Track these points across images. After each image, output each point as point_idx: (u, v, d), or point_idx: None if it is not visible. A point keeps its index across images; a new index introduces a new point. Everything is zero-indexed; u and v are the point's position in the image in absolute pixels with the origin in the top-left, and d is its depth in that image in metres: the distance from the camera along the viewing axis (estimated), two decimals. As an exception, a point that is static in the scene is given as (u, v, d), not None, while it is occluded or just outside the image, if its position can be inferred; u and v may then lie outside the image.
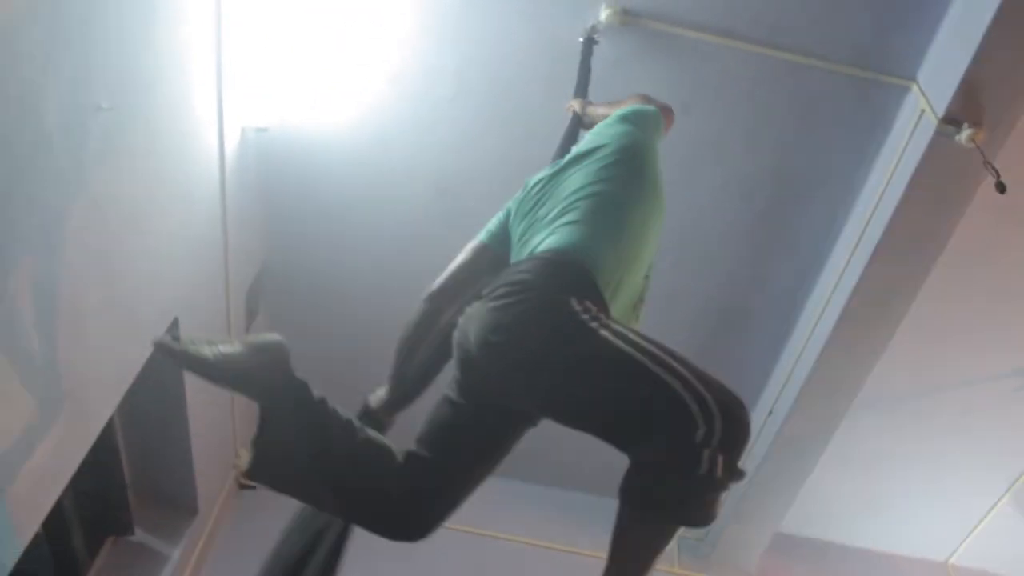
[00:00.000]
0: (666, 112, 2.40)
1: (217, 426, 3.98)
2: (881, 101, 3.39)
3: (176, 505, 3.85)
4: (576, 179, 2.03)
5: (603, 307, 1.79)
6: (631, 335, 1.65)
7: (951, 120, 3.04)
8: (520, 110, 3.54)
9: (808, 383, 3.87)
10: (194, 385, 3.41)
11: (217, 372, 1.81)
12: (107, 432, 3.18)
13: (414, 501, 1.94)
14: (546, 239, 1.92)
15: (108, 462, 3.41)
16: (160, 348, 1.81)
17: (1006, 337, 4.12)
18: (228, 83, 3.15)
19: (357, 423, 1.97)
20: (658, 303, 3.97)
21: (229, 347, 1.84)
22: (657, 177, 2.11)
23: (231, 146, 3.34)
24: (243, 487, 4.35)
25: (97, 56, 2.23)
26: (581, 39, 3.08)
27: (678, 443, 1.51)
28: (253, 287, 4.02)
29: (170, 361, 1.82)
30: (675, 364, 1.58)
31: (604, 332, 1.65)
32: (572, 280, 1.80)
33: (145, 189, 2.68)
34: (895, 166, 3.32)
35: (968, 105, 3.01)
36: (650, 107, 2.32)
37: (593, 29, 3.14)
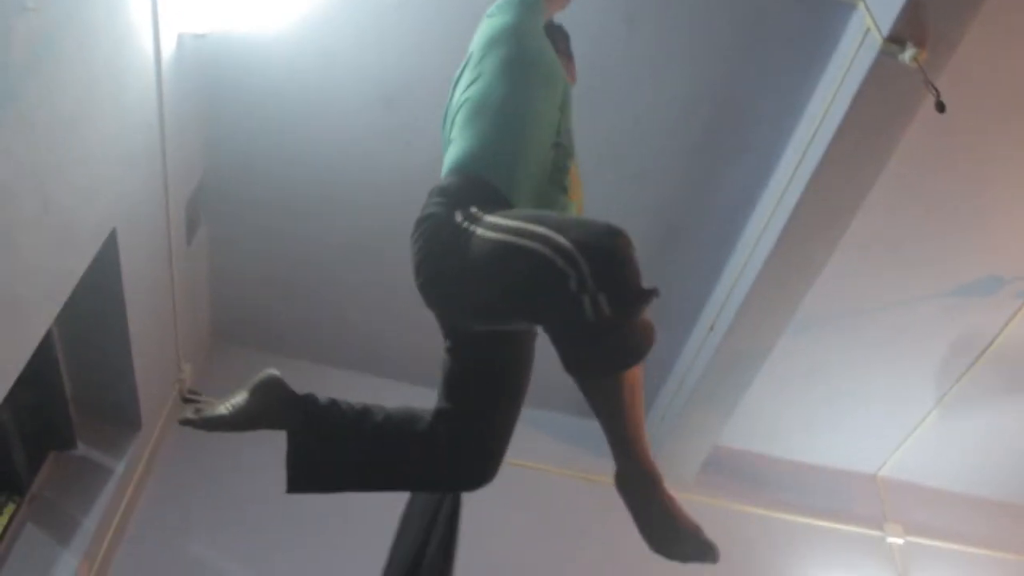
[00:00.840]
0: None
1: (160, 339, 3.94)
2: (826, 19, 3.39)
3: (119, 419, 3.83)
4: (458, 90, 2.11)
5: (496, 203, 1.81)
6: (503, 220, 1.68)
7: (895, 39, 3.05)
8: (469, 17, 3.46)
9: (748, 299, 3.94)
10: (135, 297, 3.37)
11: (236, 421, 2.03)
12: (46, 346, 3.14)
13: (460, 451, 2.04)
14: (444, 163, 2.01)
15: (48, 376, 3.38)
16: (186, 423, 2.05)
17: (938, 258, 4.22)
18: (163, -14, 3.04)
19: (372, 406, 2.10)
20: (601, 217, 4.03)
21: (237, 397, 2.07)
22: (531, 52, 2.12)
23: (168, 52, 3.23)
24: (187, 400, 4.34)
25: (22, -47, 2.14)
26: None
27: (558, 301, 1.49)
28: (193, 198, 3.95)
29: (199, 430, 2.06)
30: (539, 229, 1.58)
31: (479, 229, 1.70)
32: (456, 195, 1.84)
33: (77, 97, 2.59)
34: (839, 85, 3.34)
35: (912, 25, 3.02)
36: None
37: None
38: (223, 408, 2.04)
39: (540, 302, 1.56)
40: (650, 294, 1.50)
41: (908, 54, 3.02)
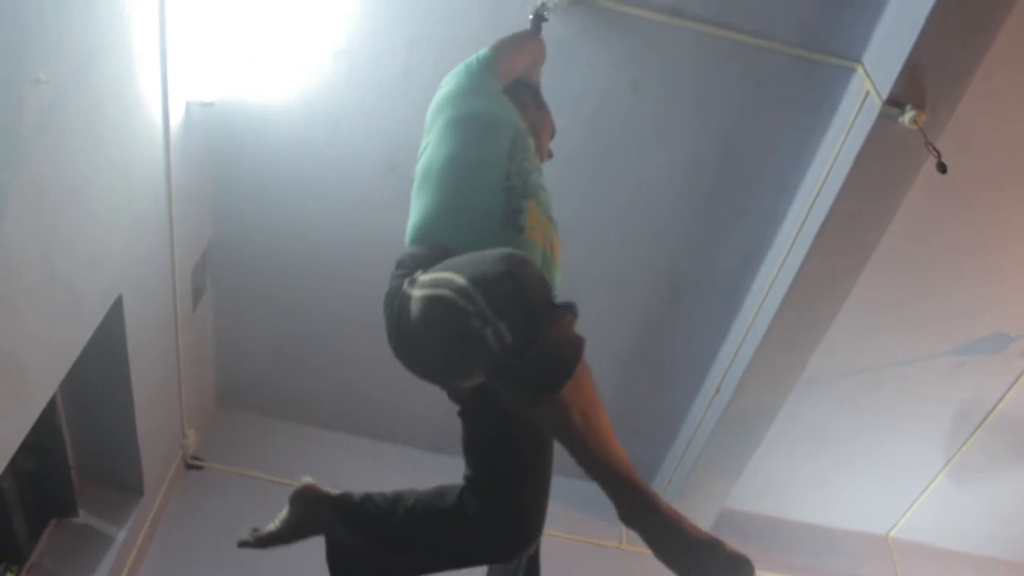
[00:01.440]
0: (506, 45, 2.53)
1: (164, 405, 3.93)
2: (827, 82, 3.43)
3: (121, 486, 3.80)
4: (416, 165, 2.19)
5: (440, 258, 1.76)
6: (427, 276, 1.67)
7: (895, 102, 3.08)
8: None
9: (754, 360, 3.92)
10: (139, 364, 3.37)
11: (285, 534, 2.23)
12: (49, 412, 3.13)
13: (492, 520, 2.01)
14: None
15: (51, 443, 3.36)
16: (244, 546, 2.26)
17: (944, 316, 4.21)
18: (173, 56, 3.09)
19: (403, 492, 2.14)
20: (607, 280, 4.05)
21: (283, 511, 2.25)
22: (471, 109, 2.20)
23: (176, 121, 3.28)
24: (190, 467, 4.31)
25: (33, 25, 2.17)
26: (530, 16, 3.07)
27: (468, 340, 1.43)
28: (199, 264, 3.97)
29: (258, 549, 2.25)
30: (443, 274, 1.56)
31: (412, 291, 1.70)
32: (408, 265, 1.87)
33: (86, 165, 2.63)
34: (840, 147, 3.36)
35: (911, 87, 3.06)
36: (474, 56, 2.42)
37: (543, 6, 3.13)
38: (273, 526, 2.23)
39: (457, 346, 1.54)
40: (557, 310, 1.43)
41: (908, 116, 3.05)
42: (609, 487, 1.49)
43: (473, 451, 2.08)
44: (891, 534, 5.28)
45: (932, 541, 5.28)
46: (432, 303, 1.57)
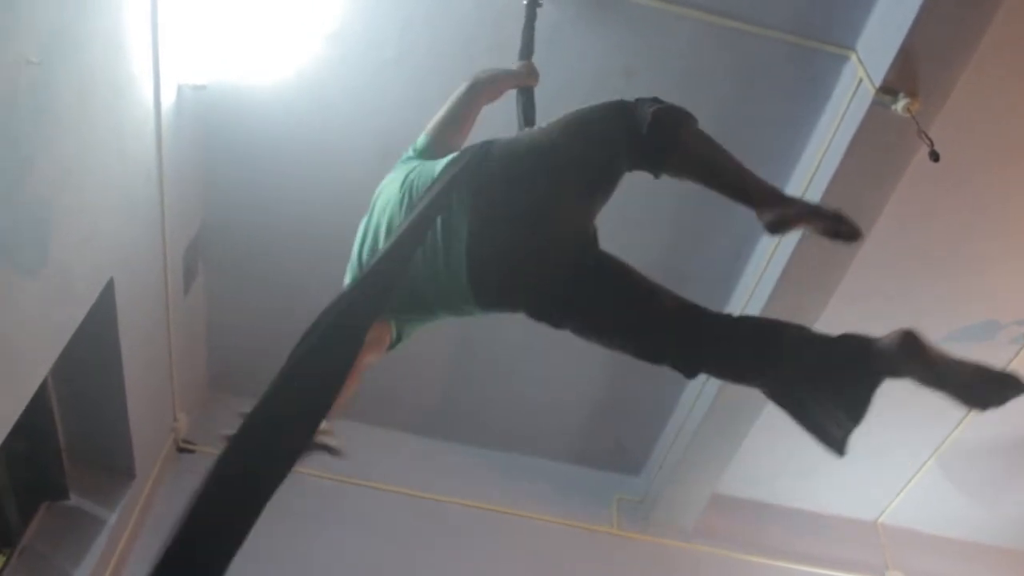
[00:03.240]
0: (477, 85, 2.55)
1: (155, 389, 3.92)
2: (820, 69, 3.43)
3: (113, 469, 3.80)
4: None
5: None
6: None
7: (888, 89, 3.09)
8: (464, 73, 3.50)
9: (745, 348, 3.93)
10: (131, 347, 3.36)
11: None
12: (41, 395, 3.13)
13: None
14: None
15: (42, 426, 3.36)
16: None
17: (935, 304, 4.23)
18: (164, 38, 3.07)
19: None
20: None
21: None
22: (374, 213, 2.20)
23: (167, 103, 3.27)
24: (181, 450, 4.31)
25: (24, 7, 2.16)
26: (525, 1, 3.06)
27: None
28: (192, 247, 3.96)
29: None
30: None
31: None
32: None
33: (77, 147, 2.61)
34: (833, 134, 3.37)
35: (904, 75, 3.06)
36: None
37: (537, -9, 3.12)
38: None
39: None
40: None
41: (901, 104, 3.06)
42: (762, 204, 2.01)
43: (613, 327, 2.05)
44: (880, 520, 5.30)
45: (920, 527, 5.31)
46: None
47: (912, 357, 1.78)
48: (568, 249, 1.99)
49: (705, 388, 4.24)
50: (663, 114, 2.01)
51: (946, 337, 4.34)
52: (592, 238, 2.07)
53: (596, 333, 2.02)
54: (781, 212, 1.93)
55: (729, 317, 1.99)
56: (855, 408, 1.82)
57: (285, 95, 3.62)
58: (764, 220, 1.96)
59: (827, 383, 1.85)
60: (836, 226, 1.88)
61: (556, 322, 2.00)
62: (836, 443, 1.86)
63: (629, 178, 3.57)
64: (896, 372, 1.80)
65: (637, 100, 2.06)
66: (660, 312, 1.99)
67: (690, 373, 1.99)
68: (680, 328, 1.96)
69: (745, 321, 2.04)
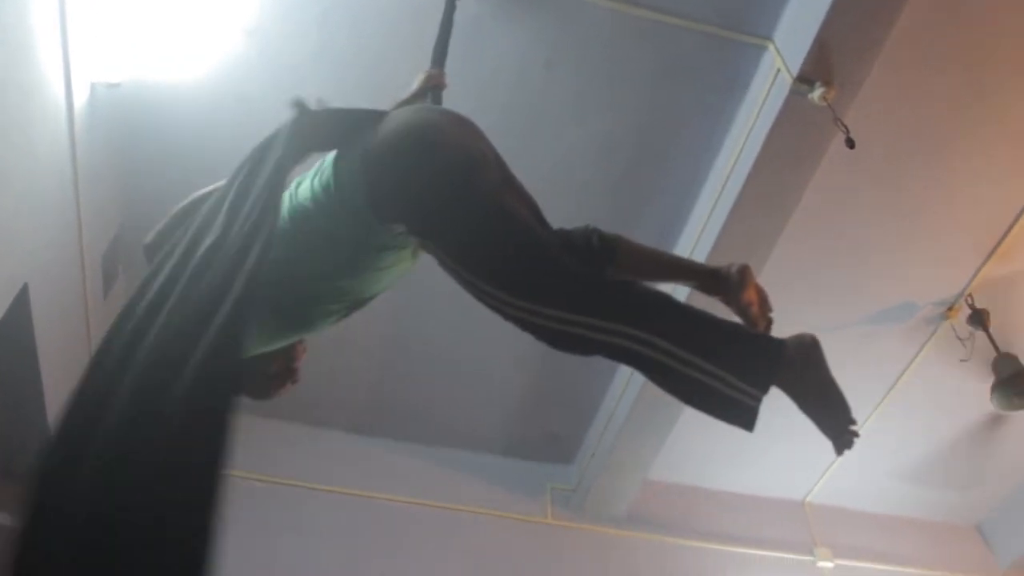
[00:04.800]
0: None
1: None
2: (739, 60, 3.48)
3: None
4: None
5: None
6: None
7: (804, 79, 3.15)
8: (385, 66, 3.48)
9: (672, 335, 3.96)
10: (49, 353, 3.27)
11: None
12: (-46, 407, 3.02)
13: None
14: None
15: (-44, 438, 3.24)
16: None
17: (853, 288, 4.34)
18: (74, 35, 2.98)
19: None
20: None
21: None
22: None
23: (80, 102, 3.17)
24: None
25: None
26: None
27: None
28: (110, 251, 3.85)
29: None
30: None
31: None
32: None
33: (-15, 149, 2.53)
34: (752, 123, 3.42)
35: (820, 65, 3.13)
36: None
37: (456, -16, 3.09)
38: None
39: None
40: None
41: (817, 93, 3.12)
42: (699, 277, 2.23)
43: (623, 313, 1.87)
44: (807, 499, 5.43)
45: (847, 504, 5.46)
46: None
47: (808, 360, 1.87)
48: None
49: (634, 375, 4.28)
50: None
51: (865, 319, 4.46)
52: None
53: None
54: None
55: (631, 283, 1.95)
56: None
57: (203, 91, 3.54)
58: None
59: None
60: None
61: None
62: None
63: (547, 176, 3.60)
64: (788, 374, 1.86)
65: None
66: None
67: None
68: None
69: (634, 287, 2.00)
